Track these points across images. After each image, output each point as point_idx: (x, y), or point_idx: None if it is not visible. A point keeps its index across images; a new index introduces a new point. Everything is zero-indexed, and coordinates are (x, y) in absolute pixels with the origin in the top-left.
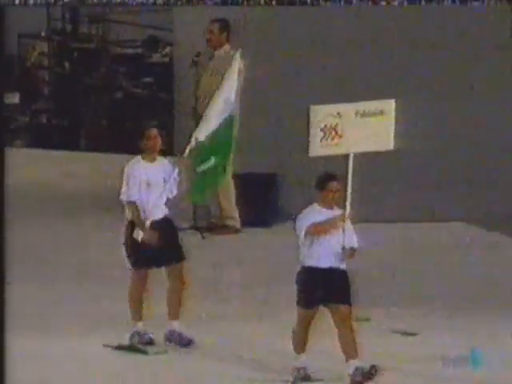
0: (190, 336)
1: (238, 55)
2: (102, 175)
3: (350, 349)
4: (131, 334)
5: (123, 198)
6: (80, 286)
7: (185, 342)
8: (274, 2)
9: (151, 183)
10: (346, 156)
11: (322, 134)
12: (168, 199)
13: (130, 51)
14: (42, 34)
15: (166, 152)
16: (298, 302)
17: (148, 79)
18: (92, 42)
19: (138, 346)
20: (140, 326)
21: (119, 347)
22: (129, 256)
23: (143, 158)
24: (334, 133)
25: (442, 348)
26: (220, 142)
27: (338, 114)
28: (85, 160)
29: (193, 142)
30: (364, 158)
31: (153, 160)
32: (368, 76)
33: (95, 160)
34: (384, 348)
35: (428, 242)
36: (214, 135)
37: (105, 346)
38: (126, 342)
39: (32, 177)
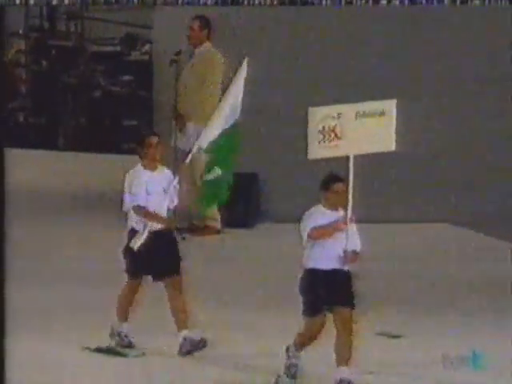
0: (202, 337)
1: (245, 62)
2: (81, 175)
3: (344, 354)
4: (113, 333)
5: (125, 208)
6: (63, 281)
7: (200, 345)
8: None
9: (150, 192)
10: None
11: (320, 136)
12: (168, 209)
13: (108, 49)
14: (20, 31)
15: None
16: (304, 311)
17: (127, 77)
18: (70, 40)
19: (117, 348)
20: (125, 326)
21: (98, 349)
22: (126, 264)
23: (144, 167)
24: (333, 135)
25: (427, 350)
26: (224, 152)
27: (338, 115)
28: (63, 159)
29: (195, 150)
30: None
31: (153, 168)
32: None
33: (74, 159)
34: (368, 351)
35: (413, 243)
36: (218, 144)
37: (84, 348)
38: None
39: (8, 177)
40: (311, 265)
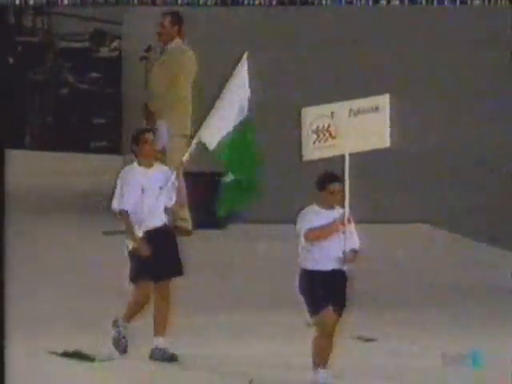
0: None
1: (244, 56)
2: (48, 174)
3: (323, 356)
4: (115, 324)
5: (115, 206)
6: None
7: (168, 357)
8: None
9: (146, 189)
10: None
11: (314, 136)
12: (166, 207)
13: (76, 45)
14: None
15: (114, 150)
16: (310, 312)
17: (95, 74)
18: (37, 36)
19: (84, 352)
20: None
21: (65, 354)
22: (134, 267)
23: (139, 164)
24: (327, 134)
25: (403, 354)
26: (241, 153)
27: (331, 114)
28: (30, 159)
29: (193, 146)
30: (326, 160)
31: (149, 166)
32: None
33: (41, 159)
34: (343, 354)
35: (391, 243)
36: (233, 145)
37: (51, 352)
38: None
39: None
40: (310, 266)
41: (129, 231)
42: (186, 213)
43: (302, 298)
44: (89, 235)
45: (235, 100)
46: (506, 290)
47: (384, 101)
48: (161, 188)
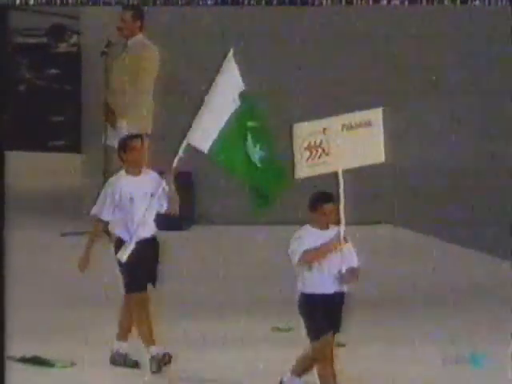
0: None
1: (230, 54)
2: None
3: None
4: (150, 359)
5: (95, 212)
6: None
7: (131, 364)
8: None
9: (135, 199)
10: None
11: (307, 153)
12: (159, 214)
13: (33, 40)
14: None
15: (73, 149)
16: (310, 336)
17: (53, 71)
18: None
19: (43, 358)
20: (155, 349)
21: (22, 359)
22: (126, 277)
23: (127, 172)
24: (320, 150)
25: (370, 359)
26: (241, 147)
27: (324, 130)
28: None
29: (182, 150)
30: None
31: (138, 173)
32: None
33: None
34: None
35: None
36: (229, 139)
37: (8, 357)
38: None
39: None
40: (310, 290)
41: (89, 241)
42: None
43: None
44: (47, 236)
45: (224, 98)
46: (468, 289)
47: (377, 115)
48: (152, 195)
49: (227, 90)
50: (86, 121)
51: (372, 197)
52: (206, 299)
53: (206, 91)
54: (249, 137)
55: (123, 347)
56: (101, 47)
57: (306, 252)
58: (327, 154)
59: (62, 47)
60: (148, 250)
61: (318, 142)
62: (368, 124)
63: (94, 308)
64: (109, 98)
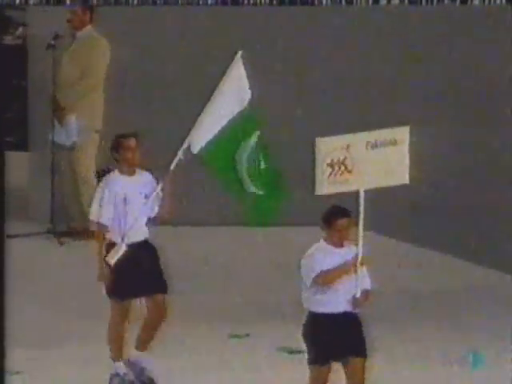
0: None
1: (238, 56)
2: None
3: None
4: (110, 375)
5: (93, 218)
6: None
7: (145, 380)
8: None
9: (129, 200)
10: None
11: (329, 169)
12: (149, 219)
13: None
14: None
15: (20, 147)
16: (310, 359)
17: None
18: None
19: None
20: (120, 366)
21: None
22: (111, 284)
23: (120, 172)
24: (342, 168)
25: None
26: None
27: (347, 146)
28: None
29: (180, 154)
30: None
31: (132, 173)
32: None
33: None
34: (269, 367)
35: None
36: (226, 143)
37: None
38: None
39: None
40: (318, 309)
41: (98, 249)
42: None
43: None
44: None
45: (229, 102)
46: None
47: (403, 134)
48: (146, 197)
49: (232, 93)
50: (32, 117)
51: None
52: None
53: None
54: (252, 144)
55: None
56: (48, 40)
57: (322, 273)
58: (349, 172)
59: (7, 40)
60: (140, 255)
61: (341, 158)
62: (393, 143)
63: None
64: (57, 93)
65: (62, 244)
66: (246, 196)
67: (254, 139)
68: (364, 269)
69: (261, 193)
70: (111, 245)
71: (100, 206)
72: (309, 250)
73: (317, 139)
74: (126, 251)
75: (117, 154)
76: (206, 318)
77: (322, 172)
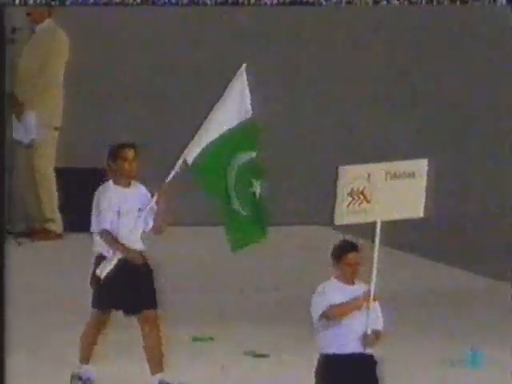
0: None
1: (243, 69)
2: None
3: None
4: (72, 375)
5: (93, 229)
6: None
7: None
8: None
9: (123, 212)
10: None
11: (349, 198)
12: (143, 232)
13: None
14: None
15: None
16: None
17: None
18: None
19: None
20: (86, 368)
21: None
22: (93, 295)
23: (115, 183)
24: (362, 197)
25: (295, 370)
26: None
27: (368, 175)
28: None
29: (177, 167)
30: None
31: (127, 185)
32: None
33: None
34: (234, 371)
35: (282, 246)
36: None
37: None
38: None
39: None
40: (332, 349)
41: (117, 247)
42: (55, 213)
43: None
44: None
45: (229, 117)
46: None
47: (421, 166)
48: (140, 210)
49: (232, 109)
50: None
51: (308, 197)
52: None
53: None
54: (245, 165)
55: (160, 379)
56: (6, 34)
57: (331, 307)
58: (368, 202)
59: None
60: (131, 270)
61: (360, 188)
62: (411, 175)
63: None
64: (16, 88)
65: (19, 244)
66: (230, 215)
67: (249, 155)
68: (377, 307)
69: (243, 213)
70: (102, 258)
71: (97, 215)
72: (319, 287)
73: (339, 168)
74: (117, 264)
75: (113, 163)
76: (168, 321)
77: (343, 201)
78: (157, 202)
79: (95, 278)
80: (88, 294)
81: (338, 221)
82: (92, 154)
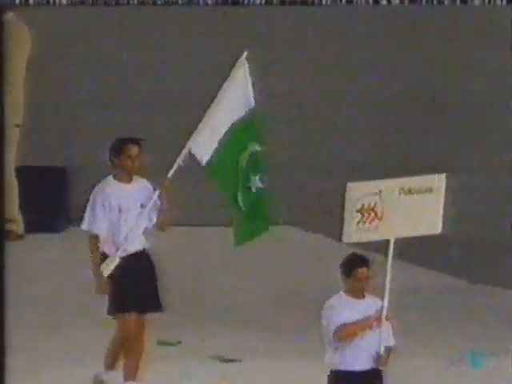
0: None
1: (243, 57)
2: None
3: None
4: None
5: (85, 227)
6: None
7: None
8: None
9: (124, 208)
10: None
11: (359, 215)
12: (146, 228)
13: None
14: None
15: None
16: None
17: None
18: None
19: None
20: (112, 374)
21: None
22: (113, 298)
23: (116, 178)
24: (372, 214)
25: (265, 375)
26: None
27: (379, 192)
28: None
29: (181, 158)
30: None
31: (128, 181)
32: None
33: None
34: (202, 376)
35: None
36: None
37: None
38: None
39: None
40: (342, 366)
41: (93, 261)
42: (15, 213)
43: None
44: None
45: (231, 106)
46: None
47: (439, 182)
48: (142, 206)
49: (236, 97)
50: None
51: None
52: (80, 305)
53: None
54: (247, 159)
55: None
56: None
57: (341, 327)
58: (380, 219)
59: None
60: (137, 267)
61: (371, 204)
62: (428, 190)
63: None
64: None
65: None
66: (235, 211)
67: (252, 149)
68: (388, 324)
69: (243, 209)
70: (105, 257)
71: (94, 215)
72: (328, 302)
73: (348, 184)
74: (121, 263)
75: (116, 159)
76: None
77: (351, 218)
78: (160, 197)
79: (113, 280)
80: (50, 295)
81: (346, 238)
82: (52, 152)
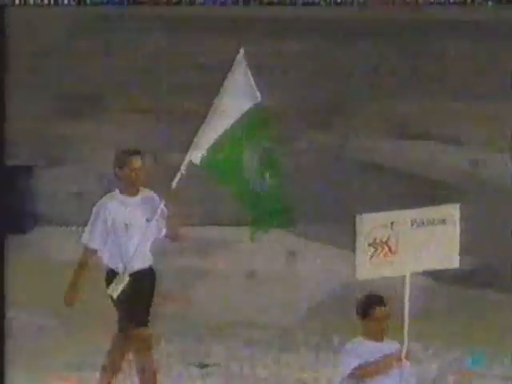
0: None
1: (240, 55)
2: None
3: None
4: None
5: (84, 240)
6: None
7: None
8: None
9: (130, 225)
10: None
11: (371, 249)
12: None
13: None
14: None
15: None
16: None
17: None
18: None
19: None
20: None
21: None
22: (126, 312)
23: (121, 192)
24: (386, 248)
25: (244, 379)
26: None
27: (391, 224)
28: None
29: (183, 168)
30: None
31: (134, 193)
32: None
33: None
34: (180, 381)
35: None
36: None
37: None
38: None
39: None
40: None
41: (76, 272)
42: None
43: None
44: None
45: (232, 106)
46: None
47: (453, 212)
48: (148, 220)
49: (237, 94)
50: None
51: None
52: (52, 309)
53: None
54: (255, 157)
55: None
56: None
57: (359, 367)
58: (394, 253)
59: None
60: (144, 284)
61: (384, 238)
62: (442, 222)
63: None
64: None
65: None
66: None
67: (261, 145)
68: (408, 365)
69: (265, 191)
70: (112, 274)
71: (93, 229)
72: (346, 345)
73: (357, 216)
74: (129, 281)
75: (120, 171)
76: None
77: (364, 252)
78: (166, 207)
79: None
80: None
81: (360, 275)
82: (19, 151)
